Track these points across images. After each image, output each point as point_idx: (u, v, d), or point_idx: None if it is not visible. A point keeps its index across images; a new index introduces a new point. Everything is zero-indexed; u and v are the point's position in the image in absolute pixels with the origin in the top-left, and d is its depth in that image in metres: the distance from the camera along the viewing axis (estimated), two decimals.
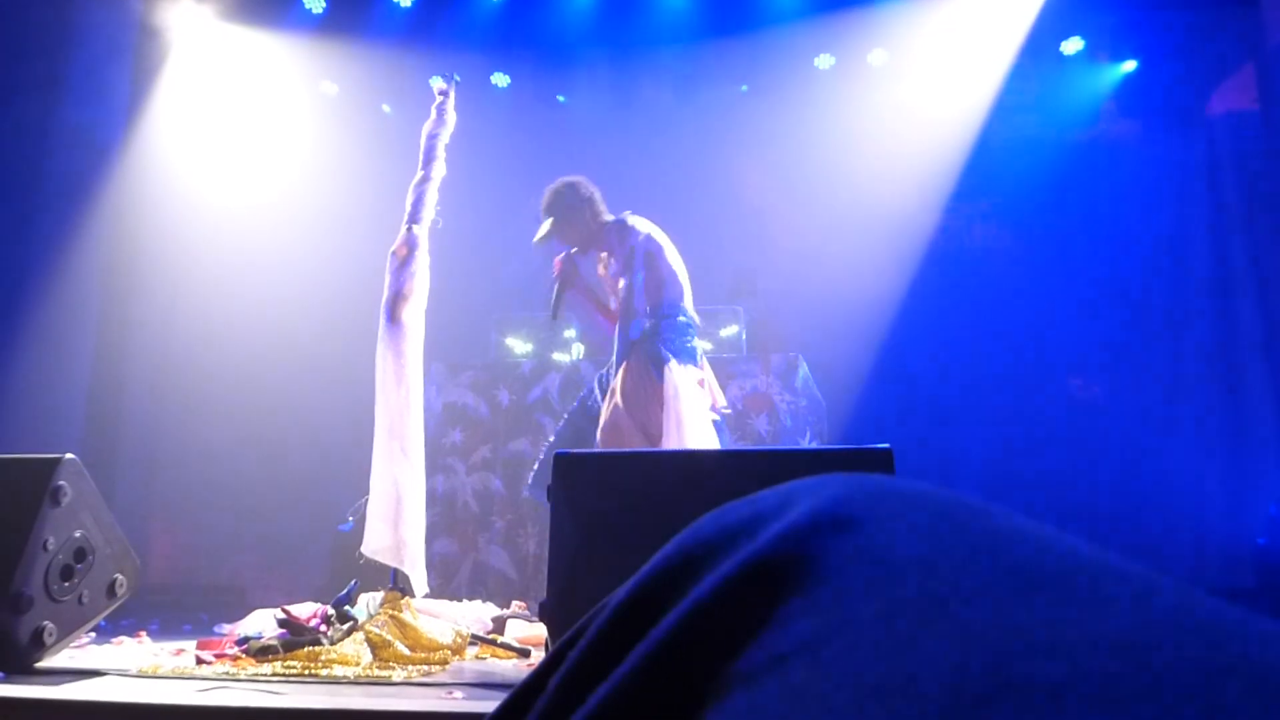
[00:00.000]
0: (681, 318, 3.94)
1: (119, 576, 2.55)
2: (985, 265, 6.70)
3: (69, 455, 2.46)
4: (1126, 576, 0.26)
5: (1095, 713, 0.20)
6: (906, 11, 6.70)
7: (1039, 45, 6.72)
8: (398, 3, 6.76)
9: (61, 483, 2.40)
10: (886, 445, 2.29)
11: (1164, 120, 6.79)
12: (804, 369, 5.71)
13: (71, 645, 2.53)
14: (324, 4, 6.69)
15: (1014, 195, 6.78)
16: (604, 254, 4.10)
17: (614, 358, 4.03)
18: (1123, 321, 6.58)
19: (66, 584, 2.41)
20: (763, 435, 5.41)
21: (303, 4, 6.66)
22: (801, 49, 7.01)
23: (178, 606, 5.00)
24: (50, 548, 2.36)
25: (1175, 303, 6.57)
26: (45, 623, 2.35)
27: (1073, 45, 6.84)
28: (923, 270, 6.75)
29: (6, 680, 2.15)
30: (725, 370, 5.63)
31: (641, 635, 0.29)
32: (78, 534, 2.44)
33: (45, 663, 2.38)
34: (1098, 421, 6.50)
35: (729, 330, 5.99)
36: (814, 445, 5.47)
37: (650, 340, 3.89)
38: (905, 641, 0.23)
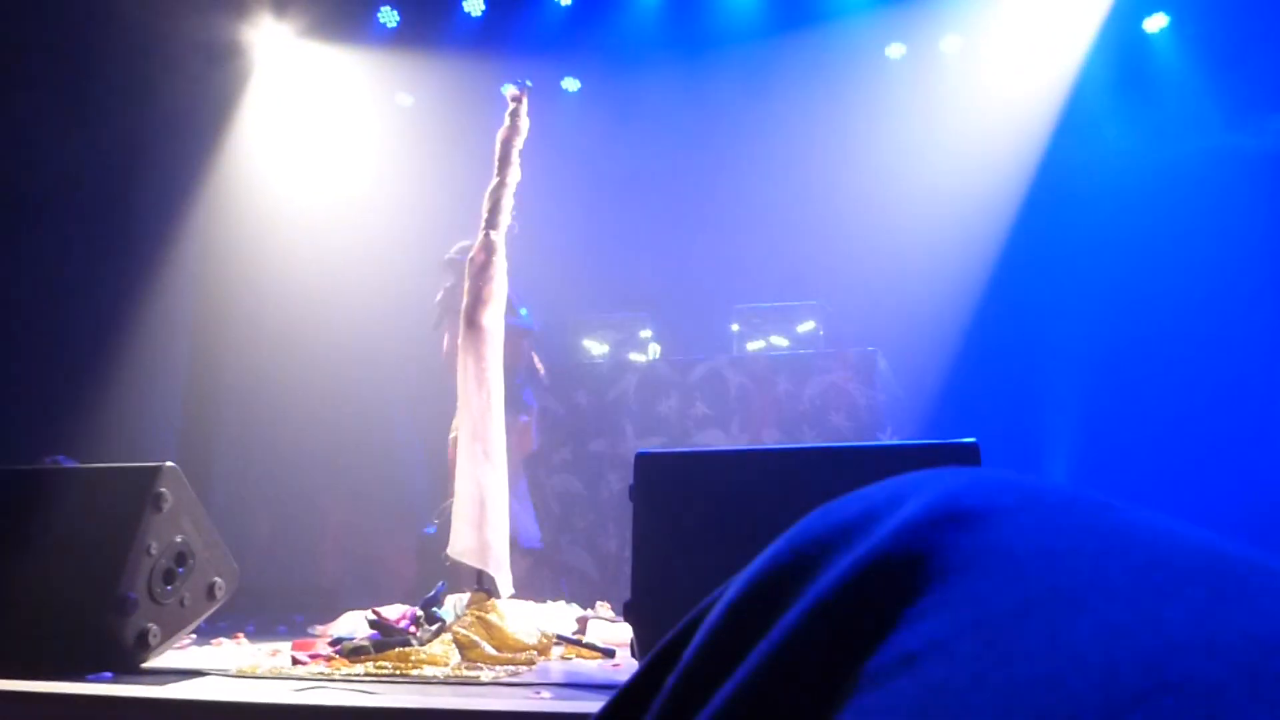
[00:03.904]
0: None
1: (217, 580, 2.64)
2: (1066, 254, 6.51)
3: (169, 463, 2.55)
4: (1270, 570, 0.25)
5: (1263, 712, 0.19)
6: None
7: (1120, 23, 6.48)
8: (469, 12, 6.86)
9: (162, 489, 2.48)
10: (973, 439, 2.23)
11: (1255, 100, 6.50)
12: (882, 363, 5.63)
13: (173, 646, 2.62)
14: (397, 17, 6.82)
15: (1096, 182, 6.57)
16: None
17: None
18: (1212, 307, 6.32)
19: (168, 587, 2.49)
20: (842, 430, 5.34)
21: (377, 18, 6.81)
22: (871, 39, 6.91)
23: (272, 609, 5.13)
24: (153, 552, 2.45)
25: (1268, 287, 6.29)
26: (149, 625, 2.43)
27: (1156, 22, 6.59)
28: (1002, 261, 6.59)
29: (115, 680, 2.24)
30: (803, 365, 5.58)
31: (760, 634, 0.29)
32: (178, 539, 2.53)
33: (150, 663, 2.47)
34: (1189, 409, 6.25)
35: (805, 326, 5.94)
36: (895, 440, 5.38)
37: None
38: (1045, 639, 0.23)
